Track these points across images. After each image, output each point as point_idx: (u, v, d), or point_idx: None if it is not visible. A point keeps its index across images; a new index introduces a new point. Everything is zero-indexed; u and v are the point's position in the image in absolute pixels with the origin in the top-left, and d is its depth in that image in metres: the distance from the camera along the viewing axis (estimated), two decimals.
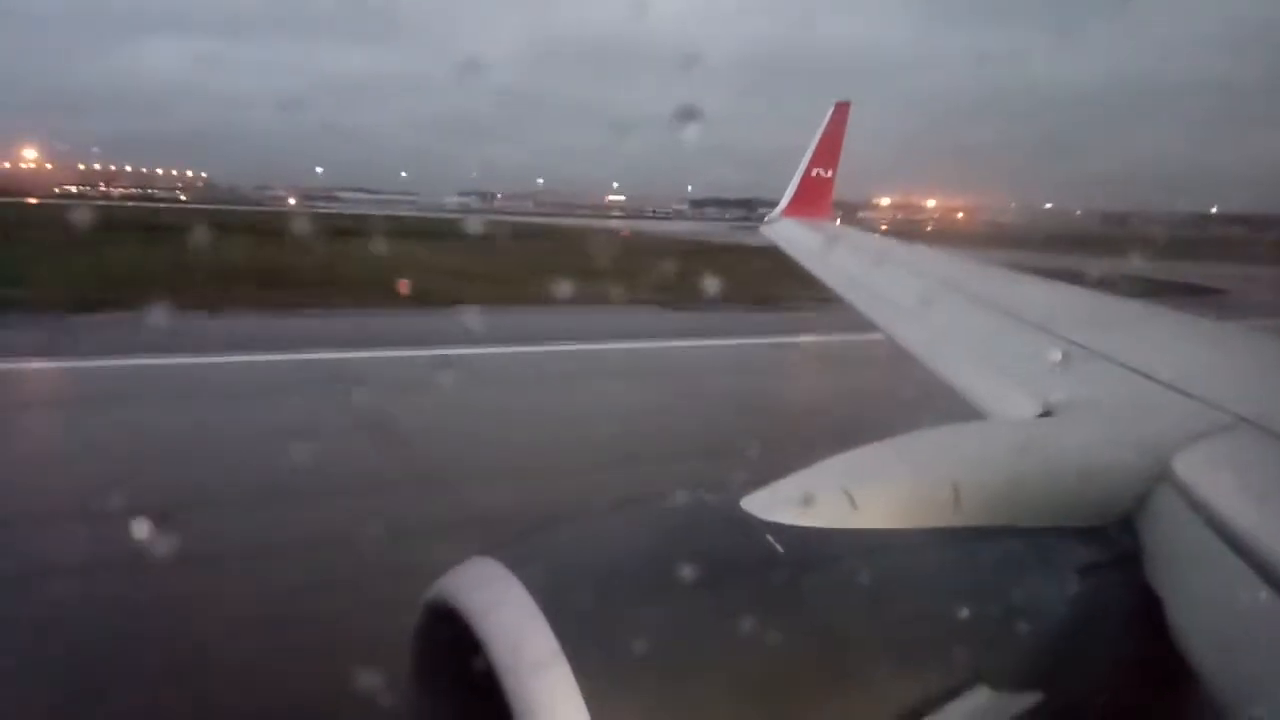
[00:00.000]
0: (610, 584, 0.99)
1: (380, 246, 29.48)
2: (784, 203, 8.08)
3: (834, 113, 8.09)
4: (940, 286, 3.79)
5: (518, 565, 0.98)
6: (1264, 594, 0.98)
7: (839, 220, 8.82)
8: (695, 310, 17.24)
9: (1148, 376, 1.71)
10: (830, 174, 8.06)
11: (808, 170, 8.01)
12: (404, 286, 17.61)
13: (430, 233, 36.29)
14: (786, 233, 7.27)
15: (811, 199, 7.92)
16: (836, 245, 6.60)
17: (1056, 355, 1.77)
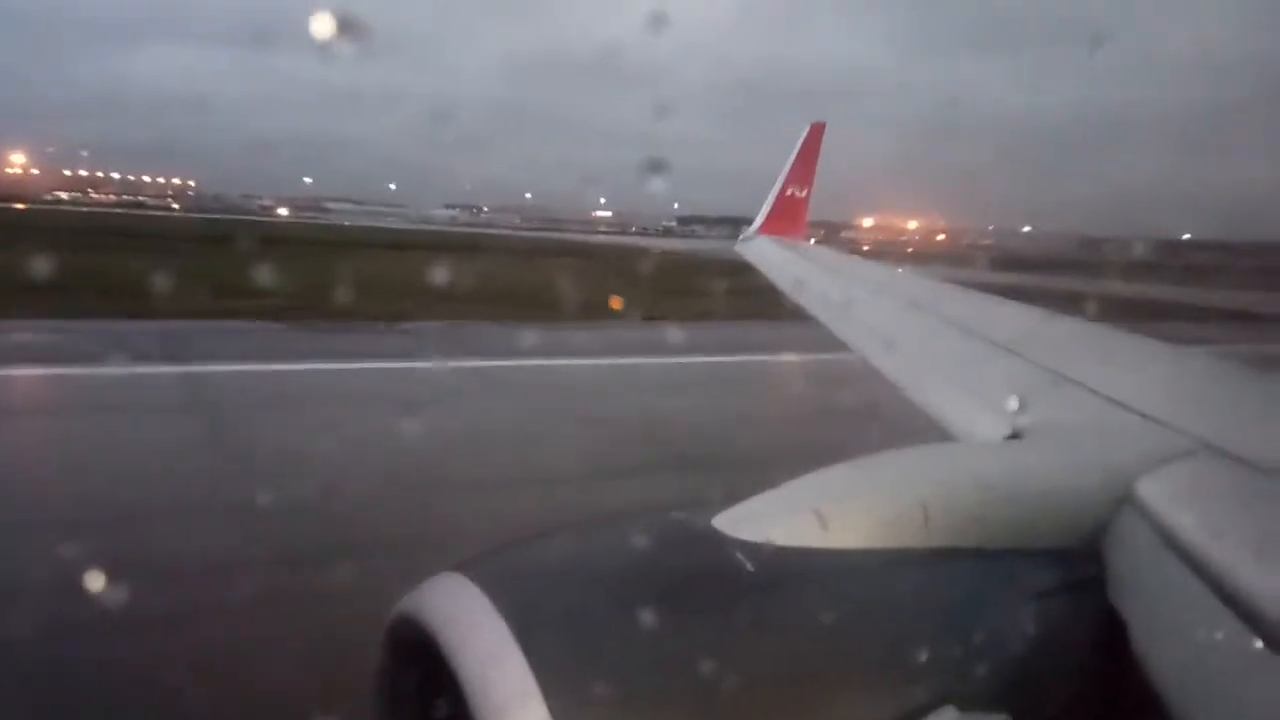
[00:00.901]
0: (580, 602, 0.99)
1: (491, 261, 30.75)
2: (759, 221, 8.17)
3: (809, 133, 8.21)
4: (909, 307, 3.83)
5: (486, 582, 0.98)
6: (1226, 619, 1.00)
7: (814, 240, 8.91)
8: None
9: (1114, 401, 1.73)
10: (805, 193, 8.15)
11: (783, 190, 8.10)
12: (616, 303, 19.69)
13: (492, 247, 37.38)
14: (761, 251, 7.33)
15: (786, 218, 8.00)
16: (808, 264, 6.66)
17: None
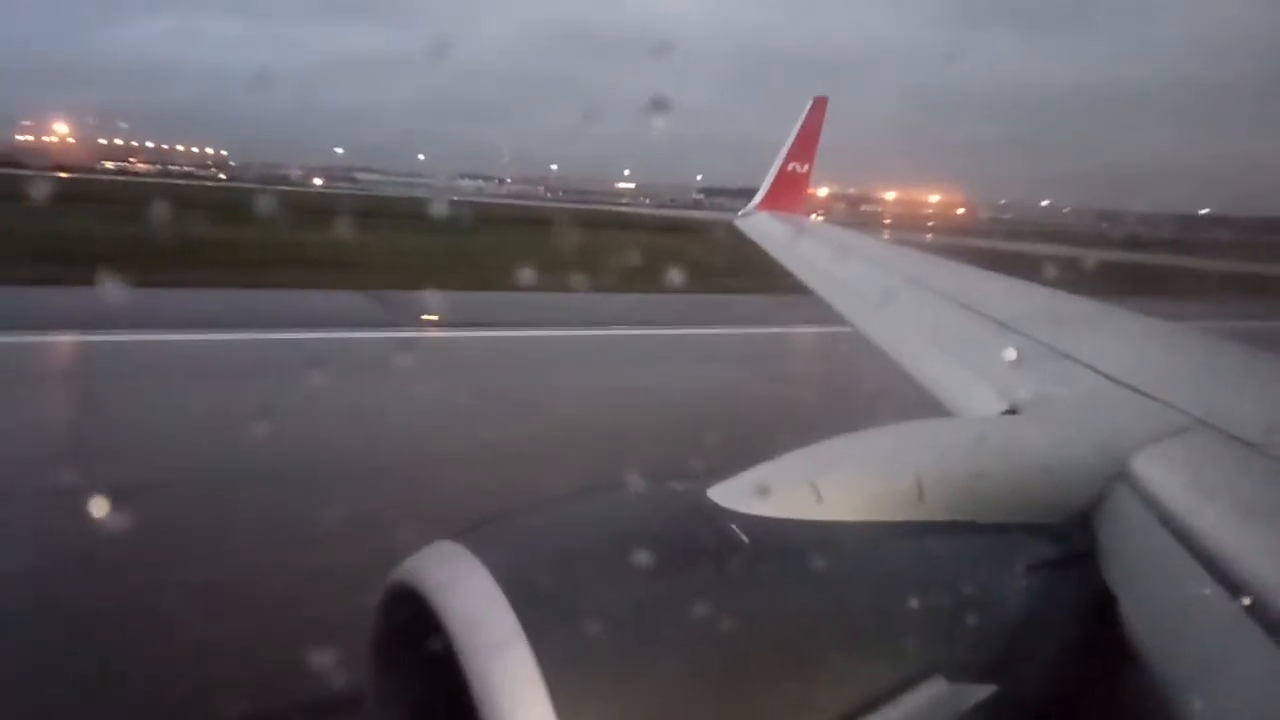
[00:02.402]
0: (573, 569, 0.99)
1: (578, 232, 29.54)
2: (759, 196, 8.14)
3: (811, 108, 8.14)
4: (907, 282, 3.82)
5: (481, 549, 0.98)
6: (1217, 595, 1.01)
7: (824, 215, 8.84)
8: None
9: (1109, 377, 1.73)
10: (806, 169, 8.10)
11: (784, 165, 8.05)
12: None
13: (570, 220, 37.39)
14: (760, 226, 7.31)
15: (786, 193, 7.97)
16: (807, 239, 6.65)
17: (1012, 354, 1.80)
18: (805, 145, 8.07)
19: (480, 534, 1.04)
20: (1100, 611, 1.14)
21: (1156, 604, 1.11)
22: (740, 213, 8.22)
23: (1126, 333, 2.52)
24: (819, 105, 8.12)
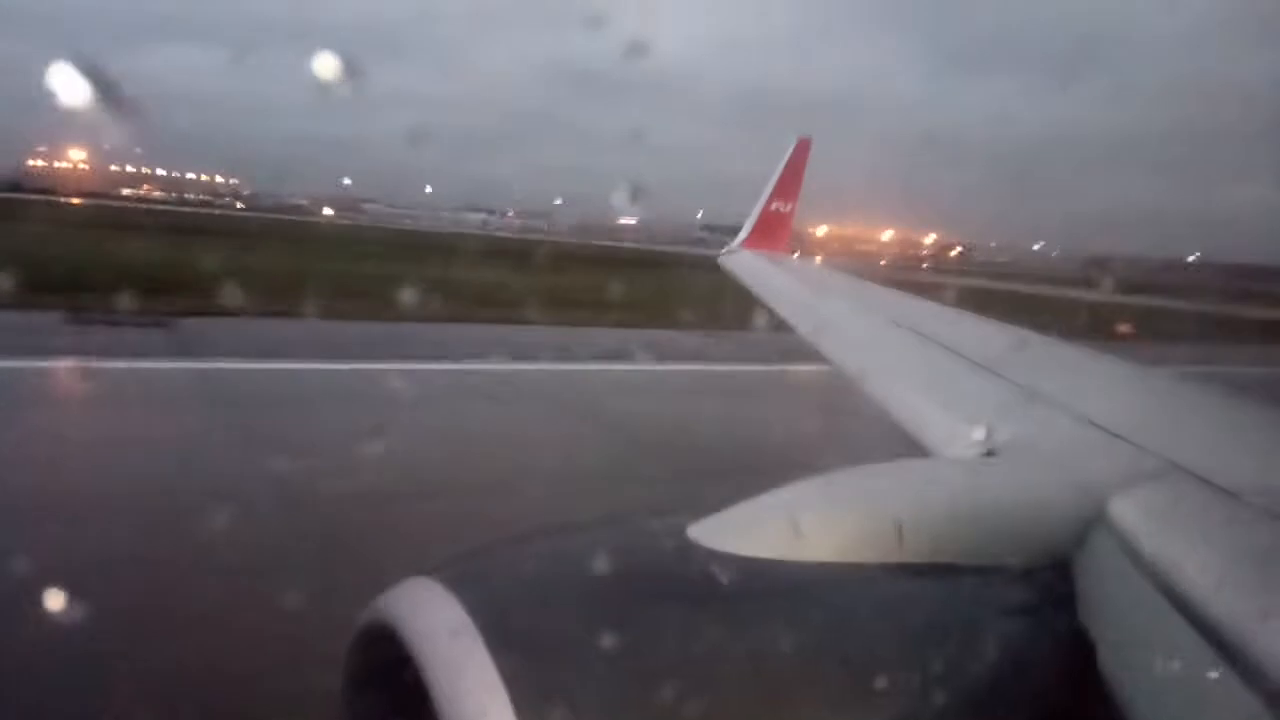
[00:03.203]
0: (550, 606, 0.98)
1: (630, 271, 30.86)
2: (743, 234, 8.21)
3: (795, 148, 8.22)
4: (888, 324, 3.84)
5: (456, 585, 0.97)
6: (1193, 640, 1.00)
7: (820, 255, 8.93)
8: None
9: (1088, 421, 1.74)
10: (790, 208, 8.16)
11: (767, 204, 8.12)
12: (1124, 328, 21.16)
13: (605, 259, 37.85)
14: (744, 264, 7.37)
15: (770, 232, 8.02)
16: (790, 277, 6.69)
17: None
18: (789, 185, 8.14)
19: (456, 570, 1.03)
20: (1078, 656, 1.14)
21: (1133, 650, 1.10)
22: (725, 250, 8.28)
23: (1105, 376, 2.53)
24: (803, 146, 8.22)
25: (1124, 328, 23.71)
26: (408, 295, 17.17)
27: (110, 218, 39.57)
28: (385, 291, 16.42)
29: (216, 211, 68.67)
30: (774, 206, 8.14)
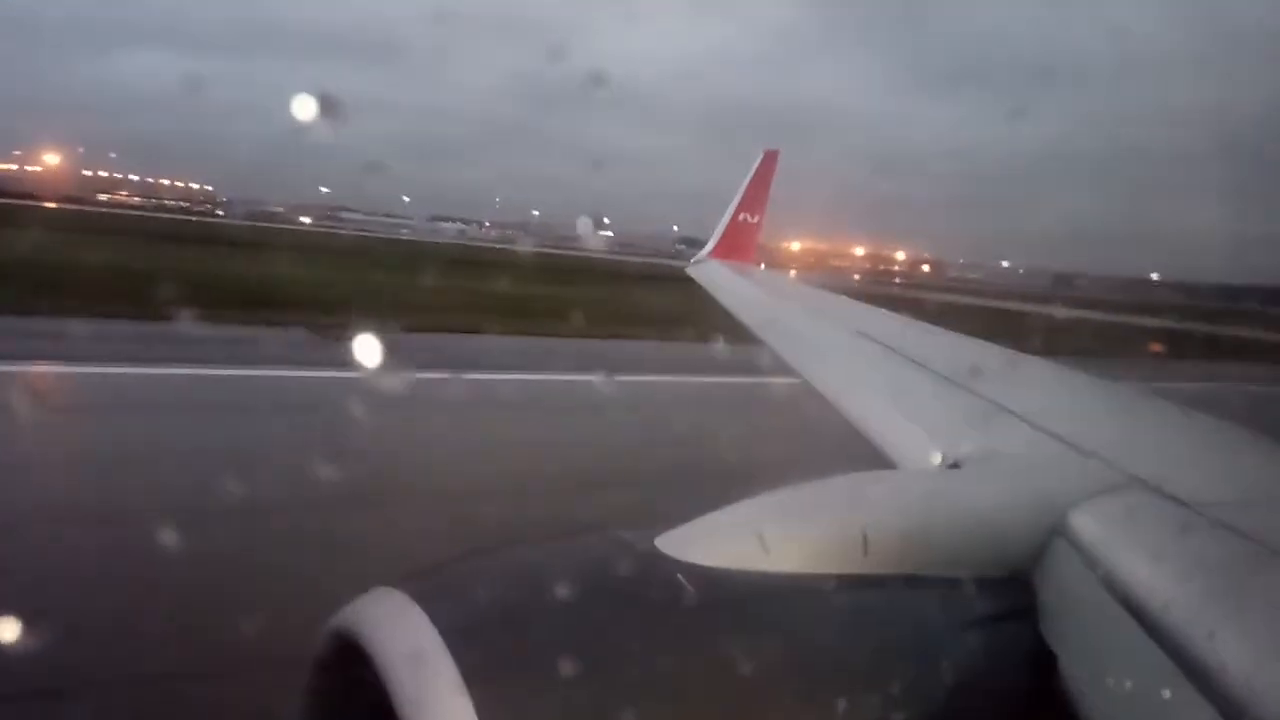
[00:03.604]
0: (516, 617, 0.98)
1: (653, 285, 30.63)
2: (710, 245, 8.29)
3: (762, 160, 8.34)
4: (853, 334, 3.87)
5: (423, 598, 0.96)
6: (1150, 650, 1.01)
7: (764, 265, 9.03)
8: None
9: (1049, 433, 1.76)
10: (757, 219, 8.26)
11: (735, 215, 8.22)
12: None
13: (617, 272, 37.99)
14: (711, 274, 7.43)
15: (737, 243, 8.12)
16: (756, 287, 6.75)
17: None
18: (756, 196, 8.24)
19: (422, 581, 1.02)
20: (1040, 667, 1.15)
21: (1092, 660, 1.11)
22: (693, 260, 8.34)
23: (1067, 388, 2.58)
24: (770, 158, 8.33)
25: (1155, 347, 26.92)
26: (497, 311, 17.81)
27: (107, 224, 38.48)
28: (449, 304, 17.38)
29: (206, 219, 67.27)
30: (741, 217, 8.24)
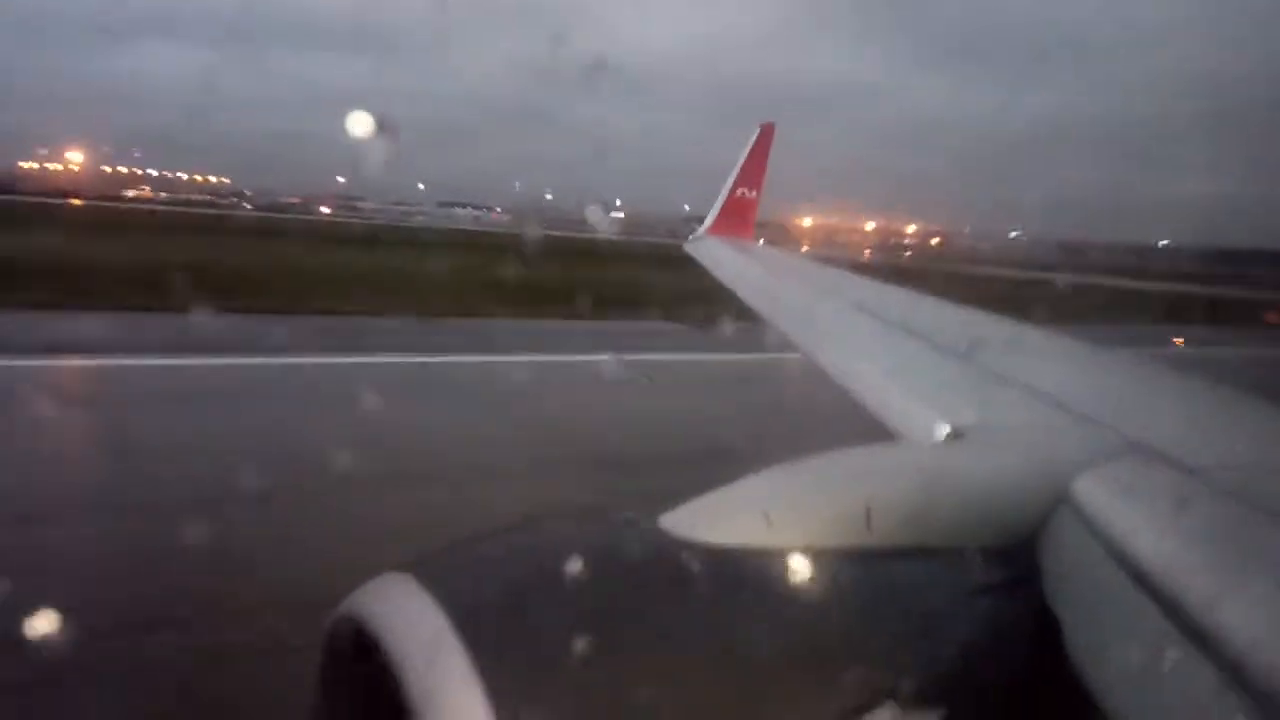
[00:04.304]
0: (523, 599, 0.99)
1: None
2: (709, 221, 8.26)
3: (759, 135, 8.26)
4: (853, 308, 3.86)
5: (430, 581, 0.97)
6: (1154, 616, 1.02)
7: (763, 240, 8.98)
8: None
9: (1053, 402, 1.77)
10: (754, 194, 8.21)
11: (732, 191, 8.17)
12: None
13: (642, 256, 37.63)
14: (709, 250, 7.40)
15: (735, 218, 8.08)
16: (754, 263, 6.73)
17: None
18: (753, 171, 8.18)
19: (428, 565, 1.03)
20: (1045, 634, 1.15)
21: (1096, 627, 1.12)
22: (691, 237, 8.31)
23: (1068, 359, 2.58)
24: (766, 132, 8.25)
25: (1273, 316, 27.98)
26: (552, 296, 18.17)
27: (178, 222, 39.71)
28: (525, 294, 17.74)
29: (239, 213, 67.45)
30: (739, 193, 8.19)
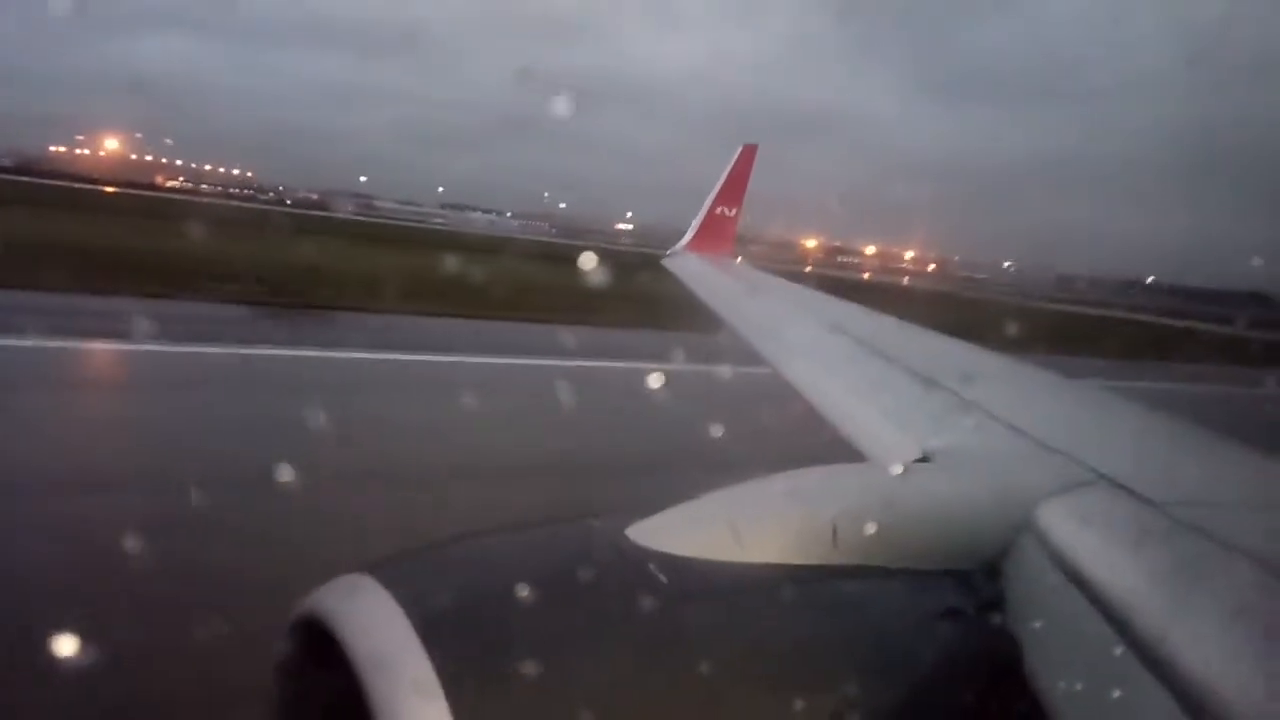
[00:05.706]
0: (486, 605, 0.98)
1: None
2: (687, 238, 8.35)
3: (740, 155, 8.37)
4: (827, 328, 3.89)
5: (393, 583, 0.96)
6: (1114, 644, 1.03)
7: (740, 258, 9.06)
8: None
9: (1020, 430, 1.79)
10: (734, 213, 8.31)
11: (712, 208, 8.27)
12: None
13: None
14: (687, 266, 7.46)
15: (714, 235, 8.17)
16: (730, 280, 6.78)
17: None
18: (734, 189, 8.28)
19: (392, 567, 1.02)
20: (1006, 659, 1.16)
21: (1057, 653, 1.13)
22: (669, 252, 8.39)
23: (1036, 388, 2.62)
24: (748, 152, 8.36)
25: None
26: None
27: (247, 217, 38.78)
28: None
29: (283, 208, 66.18)
30: (719, 210, 8.29)
